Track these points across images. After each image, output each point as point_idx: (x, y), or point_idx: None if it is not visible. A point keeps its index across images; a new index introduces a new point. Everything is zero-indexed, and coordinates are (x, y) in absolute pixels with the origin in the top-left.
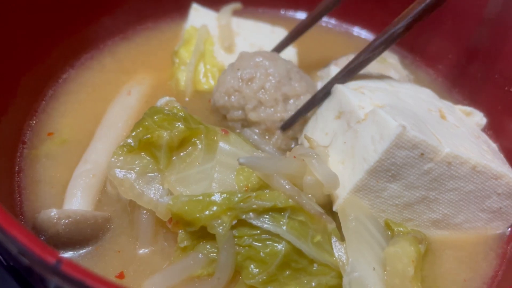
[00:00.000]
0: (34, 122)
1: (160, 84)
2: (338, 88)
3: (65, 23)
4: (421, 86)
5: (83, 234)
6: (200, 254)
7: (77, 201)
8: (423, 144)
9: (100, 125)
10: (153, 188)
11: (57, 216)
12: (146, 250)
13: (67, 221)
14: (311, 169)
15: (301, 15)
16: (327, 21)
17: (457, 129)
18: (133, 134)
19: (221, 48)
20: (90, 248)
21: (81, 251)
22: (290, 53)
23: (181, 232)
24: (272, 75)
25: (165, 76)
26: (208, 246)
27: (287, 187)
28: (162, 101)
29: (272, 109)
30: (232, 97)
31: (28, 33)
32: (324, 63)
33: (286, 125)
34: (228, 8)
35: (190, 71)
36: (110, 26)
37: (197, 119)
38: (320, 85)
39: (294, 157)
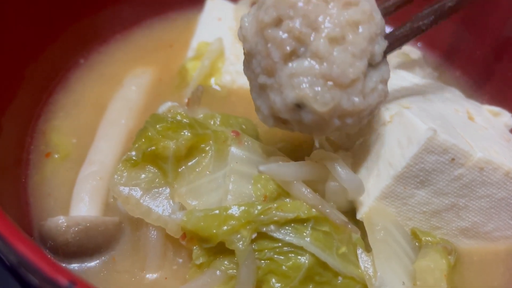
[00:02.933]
0: (39, 121)
1: (164, 75)
2: None
3: (67, 15)
4: (446, 85)
5: (93, 242)
6: (218, 271)
7: (84, 206)
8: (454, 149)
9: (102, 122)
10: (162, 204)
11: (65, 224)
12: (156, 273)
13: (76, 228)
14: (334, 175)
15: None
16: None
17: (485, 131)
18: (136, 146)
19: (237, 41)
20: (101, 259)
21: (92, 263)
22: None
23: (195, 249)
24: None
25: (172, 69)
26: (226, 262)
27: (309, 196)
28: (164, 107)
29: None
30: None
31: (29, 27)
32: None
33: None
34: (246, 0)
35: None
36: (115, 18)
37: (204, 122)
38: None
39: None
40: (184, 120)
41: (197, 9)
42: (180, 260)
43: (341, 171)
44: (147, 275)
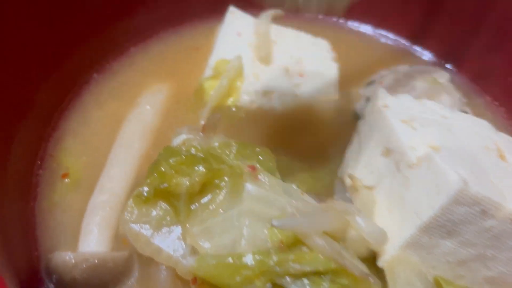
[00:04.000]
0: (49, 142)
1: (180, 94)
2: (385, 117)
3: (80, 30)
4: (476, 116)
5: (101, 279)
6: None
7: (94, 238)
8: (485, 201)
9: (114, 145)
10: (173, 243)
11: (73, 261)
12: None
13: (84, 265)
14: (356, 228)
15: (353, 26)
16: (371, 30)
17: None
18: (148, 181)
19: (257, 58)
20: None
21: None
22: (330, 68)
23: None
24: None
25: (189, 86)
26: None
27: (327, 248)
28: (178, 139)
29: None
30: None
31: (41, 46)
32: (365, 78)
33: None
34: (267, 14)
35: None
36: (130, 30)
37: (219, 155)
38: (359, 106)
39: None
40: (199, 154)
41: (215, 19)
42: None
43: (363, 223)
44: None
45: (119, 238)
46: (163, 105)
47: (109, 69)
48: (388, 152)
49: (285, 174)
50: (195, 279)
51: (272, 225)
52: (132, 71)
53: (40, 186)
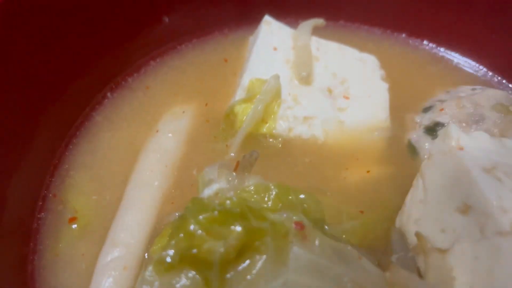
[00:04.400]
0: (54, 177)
1: (207, 117)
2: (462, 163)
3: (92, 45)
4: None
5: None
6: None
7: None
8: None
9: (130, 183)
10: None
11: None
12: None
13: None
14: None
15: (402, 39)
16: (422, 47)
17: None
18: (172, 243)
19: (296, 77)
20: None
21: None
22: (379, 89)
23: None
24: None
25: (217, 107)
26: None
27: None
28: (210, 191)
29: None
30: None
31: (51, 66)
32: (420, 102)
33: None
34: (307, 24)
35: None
36: (149, 42)
37: (259, 209)
38: (416, 137)
39: None
40: (235, 209)
41: (246, 28)
42: None
43: None
44: None
45: None
46: (187, 132)
47: (125, 86)
48: (467, 209)
49: (331, 220)
50: None
51: None
52: (151, 88)
53: (42, 234)
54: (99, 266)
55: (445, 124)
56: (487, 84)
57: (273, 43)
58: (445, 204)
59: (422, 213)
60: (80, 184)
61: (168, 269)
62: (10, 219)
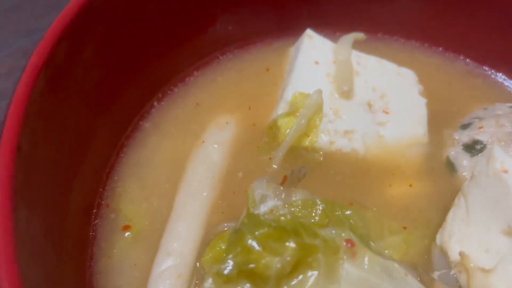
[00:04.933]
0: (106, 187)
1: (251, 129)
2: (508, 186)
3: (138, 56)
4: None
5: None
6: None
7: None
8: None
9: (179, 193)
10: None
11: None
12: None
13: None
14: None
15: (440, 53)
16: (459, 62)
17: None
18: (231, 257)
19: (336, 91)
20: None
21: None
22: (417, 104)
23: None
24: None
25: (260, 118)
26: None
27: None
28: (265, 208)
29: None
30: None
31: (105, 75)
32: (458, 118)
33: None
34: (348, 39)
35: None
36: (194, 52)
37: (311, 226)
38: (454, 153)
39: None
40: (289, 226)
41: (287, 38)
42: None
43: None
44: None
45: None
46: (231, 143)
47: (171, 96)
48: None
49: (374, 235)
50: None
51: None
52: (196, 99)
53: (97, 241)
54: (154, 274)
55: (484, 142)
56: None
57: (314, 57)
58: (489, 225)
59: (464, 232)
60: (130, 192)
61: (227, 281)
62: (71, 225)
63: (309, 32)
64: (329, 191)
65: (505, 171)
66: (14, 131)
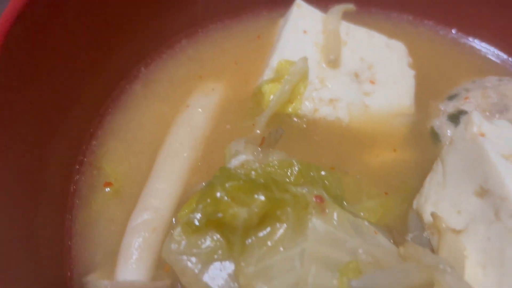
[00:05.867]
0: (90, 145)
1: (237, 95)
2: (483, 148)
3: (126, 21)
4: None
5: None
6: None
7: (133, 264)
8: None
9: (161, 153)
10: (224, 282)
11: None
12: None
13: None
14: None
15: (431, 27)
16: (451, 36)
17: None
18: (200, 207)
19: (324, 61)
20: None
21: None
22: (406, 75)
23: None
24: None
25: (247, 86)
26: None
27: None
28: (236, 161)
29: None
30: None
31: (88, 35)
32: (446, 90)
33: None
34: (338, 9)
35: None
36: (183, 20)
37: (282, 181)
38: (439, 123)
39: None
40: (260, 180)
41: (278, 9)
42: None
43: (454, 284)
44: None
45: (161, 264)
46: (216, 108)
47: (159, 62)
48: (484, 193)
49: (351, 198)
50: None
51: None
52: (184, 65)
53: (78, 194)
54: (130, 227)
55: (469, 112)
56: None
57: (303, 26)
58: (463, 188)
59: (440, 196)
60: (113, 152)
61: (195, 231)
62: (50, 178)
63: (298, 1)
64: (311, 157)
65: (482, 134)
66: None
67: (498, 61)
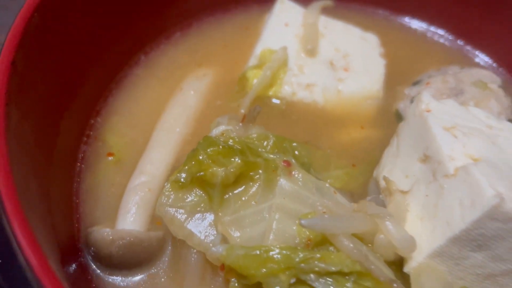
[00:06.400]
0: (96, 120)
1: (225, 80)
2: (427, 122)
3: (128, 14)
4: None
5: (136, 258)
6: None
7: (131, 217)
8: None
9: (156, 128)
10: (205, 230)
11: (111, 237)
12: None
13: (120, 242)
14: (385, 232)
15: (405, 21)
16: (423, 26)
17: None
18: (186, 168)
19: (303, 50)
20: (141, 275)
21: (131, 277)
22: (377, 64)
23: (233, 281)
24: None
25: (235, 72)
26: None
27: (354, 251)
28: (217, 130)
29: None
30: None
31: (95, 32)
32: (413, 77)
33: None
34: (317, 5)
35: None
36: (180, 12)
37: (255, 148)
38: (403, 106)
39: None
40: (236, 146)
41: (266, 5)
42: (218, 283)
43: (393, 229)
44: None
45: (155, 219)
46: (207, 91)
47: (157, 51)
48: (426, 158)
49: (320, 169)
50: (223, 266)
51: (300, 224)
52: (179, 53)
53: (86, 162)
54: (129, 188)
55: None
56: (477, 66)
57: (285, 19)
58: (411, 156)
59: (393, 164)
60: (116, 127)
61: (182, 187)
62: (62, 145)
63: None
64: (288, 134)
65: (428, 110)
66: (12, 49)
67: (463, 52)
